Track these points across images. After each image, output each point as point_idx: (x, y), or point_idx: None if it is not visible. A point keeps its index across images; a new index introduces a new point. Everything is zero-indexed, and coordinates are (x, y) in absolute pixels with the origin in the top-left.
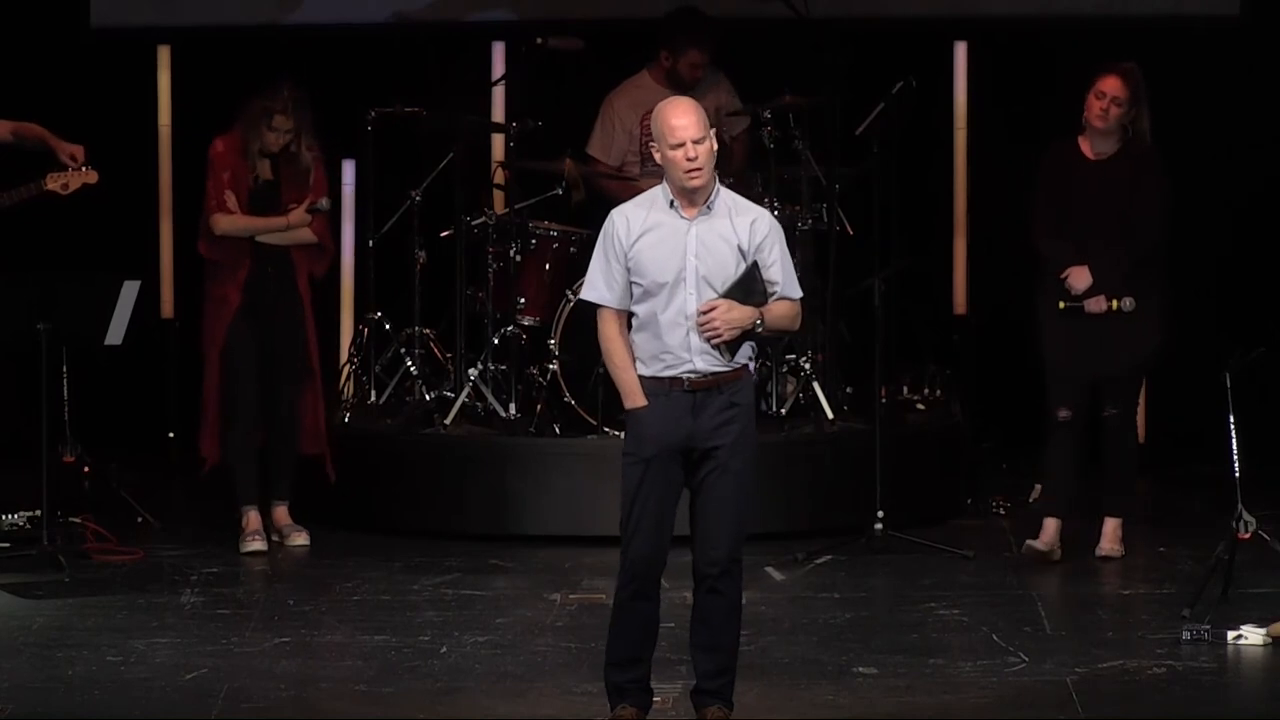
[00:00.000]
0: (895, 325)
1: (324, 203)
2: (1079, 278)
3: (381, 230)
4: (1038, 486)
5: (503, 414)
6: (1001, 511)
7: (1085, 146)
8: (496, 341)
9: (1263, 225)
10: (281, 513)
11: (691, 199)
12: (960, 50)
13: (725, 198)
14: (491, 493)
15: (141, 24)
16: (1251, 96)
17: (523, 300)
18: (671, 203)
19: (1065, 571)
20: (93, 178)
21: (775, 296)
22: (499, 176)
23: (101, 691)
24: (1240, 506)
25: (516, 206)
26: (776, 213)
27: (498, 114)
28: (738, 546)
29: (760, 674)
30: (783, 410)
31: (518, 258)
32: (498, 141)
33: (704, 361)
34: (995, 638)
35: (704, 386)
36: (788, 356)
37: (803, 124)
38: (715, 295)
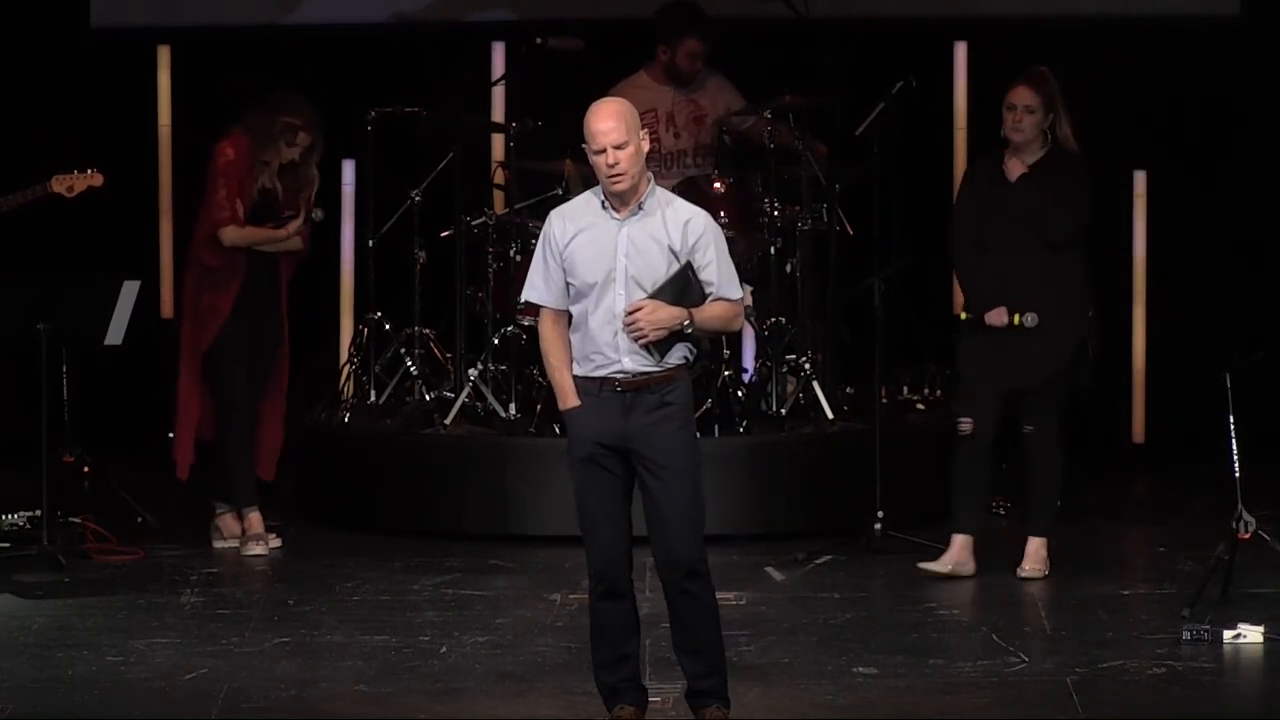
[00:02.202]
0: (895, 325)
1: (318, 213)
2: (997, 318)
3: (381, 230)
4: None
5: (503, 414)
6: (1001, 511)
7: (1008, 159)
8: (496, 341)
9: (1263, 225)
10: (256, 519)
11: (622, 199)
12: (960, 50)
13: (660, 197)
14: (491, 493)
15: (141, 24)
16: (1251, 96)
17: (521, 300)
18: (604, 203)
19: (1065, 571)
20: (98, 180)
21: (712, 297)
22: (499, 176)
23: (101, 691)
24: (1240, 506)
25: (516, 206)
26: (777, 212)
27: (498, 114)
28: (697, 547)
29: (760, 674)
30: (783, 410)
31: (518, 258)
32: (498, 141)
33: (633, 362)
34: (995, 638)
35: (634, 387)
36: (788, 356)
37: (803, 124)
38: (645, 295)
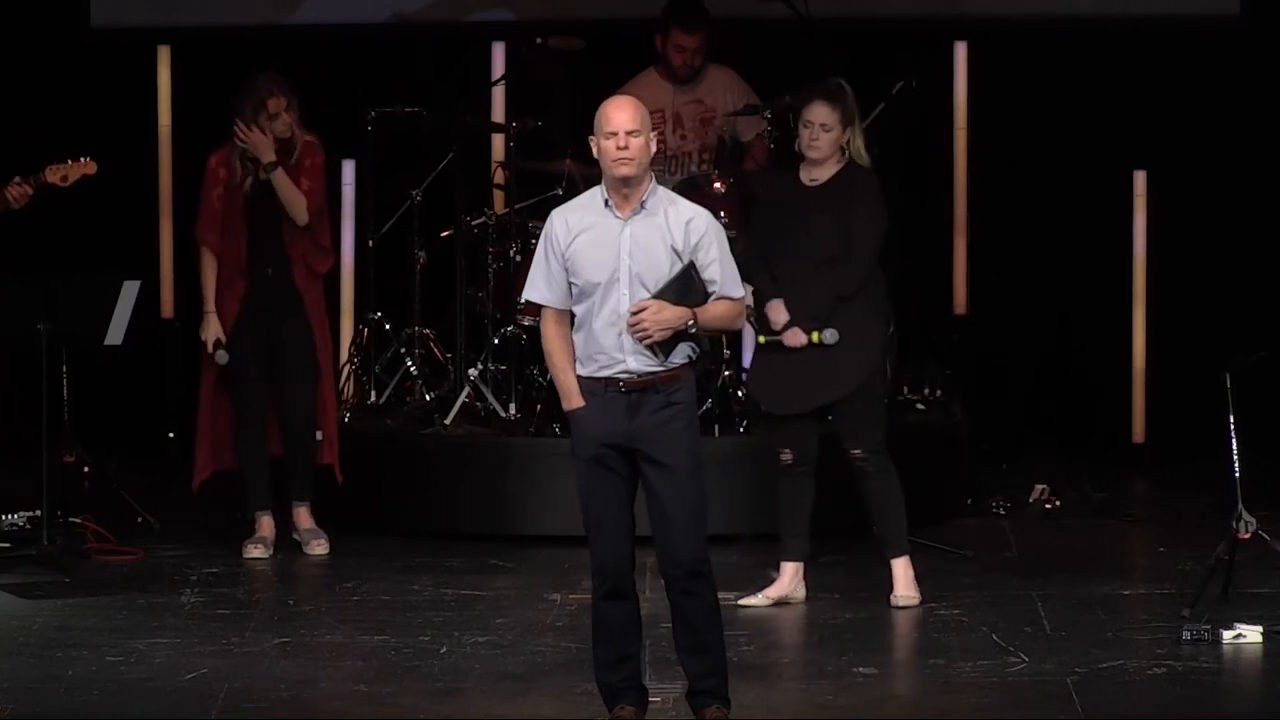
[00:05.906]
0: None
1: (220, 356)
2: (776, 311)
3: (381, 230)
4: (1038, 486)
5: (503, 414)
6: (1001, 511)
7: (803, 175)
8: (496, 341)
9: (1263, 225)
10: (303, 514)
11: (626, 197)
12: (960, 50)
13: (662, 197)
14: (491, 493)
15: (141, 24)
16: (1251, 96)
17: (523, 300)
18: (606, 202)
19: (1065, 571)
20: (91, 168)
21: (715, 296)
22: (499, 176)
23: (101, 691)
24: (1240, 506)
25: (516, 206)
26: None
27: (498, 114)
28: (699, 546)
29: (760, 674)
30: None
31: (518, 258)
32: (498, 141)
33: (638, 362)
34: (995, 638)
35: (639, 387)
36: None
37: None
38: (649, 295)
